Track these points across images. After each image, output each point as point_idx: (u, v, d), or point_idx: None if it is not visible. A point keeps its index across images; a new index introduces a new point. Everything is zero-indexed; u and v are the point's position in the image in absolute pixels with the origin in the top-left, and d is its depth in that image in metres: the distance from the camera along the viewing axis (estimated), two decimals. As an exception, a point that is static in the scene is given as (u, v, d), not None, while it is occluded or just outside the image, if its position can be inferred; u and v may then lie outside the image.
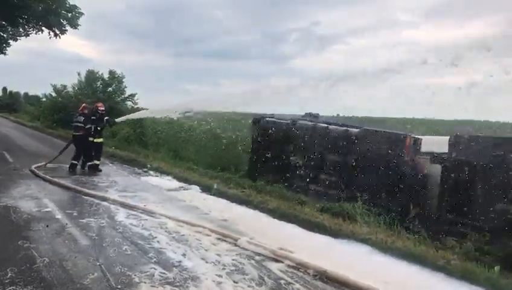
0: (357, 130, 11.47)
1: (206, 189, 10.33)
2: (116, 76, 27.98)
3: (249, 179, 12.57)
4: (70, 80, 35.27)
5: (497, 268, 5.55)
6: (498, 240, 6.42)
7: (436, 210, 8.77)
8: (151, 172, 12.59)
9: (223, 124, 17.18)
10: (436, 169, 9.48)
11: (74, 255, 5.20)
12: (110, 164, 13.51)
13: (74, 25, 17.19)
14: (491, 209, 7.43)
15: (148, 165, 13.41)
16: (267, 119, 14.15)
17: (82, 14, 17.28)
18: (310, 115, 14.26)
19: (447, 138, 9.29)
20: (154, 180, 11.32)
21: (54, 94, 30.41)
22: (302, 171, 12.14)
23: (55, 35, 17.20)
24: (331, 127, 12.10)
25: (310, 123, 12.77)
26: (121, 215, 7.27)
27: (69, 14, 16.92)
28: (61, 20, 16.91)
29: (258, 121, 14.80)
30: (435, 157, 9.43)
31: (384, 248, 6.18)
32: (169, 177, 11.87)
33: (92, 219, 6.91)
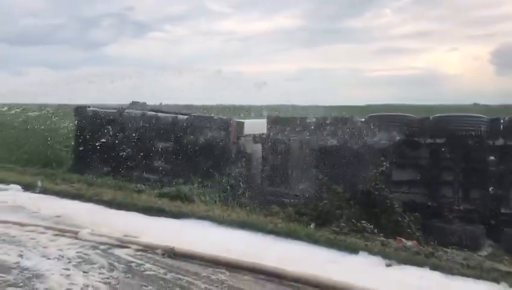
0: (186, 116, 11.99)
1: (29, 187, 9.45)
2: None
3: (75, 173, 11.91)
4: None
5: (312, 225, 6.75)
6: (311, 202, 7.74)
7: (260, 184, 9.93)
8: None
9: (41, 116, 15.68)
10: (258, 148, 10.67)
11: None
12: None
13: None
14: (302, 177, 8.84)
15: None
16: (91, 109, 13.53)
17: None
18: (137, 104, 14.18)
19: (265, 120, 10.53)
20: (-42, 183, 9.80)
21: None
22: (134, 162, 12.09)
23: None
24: (160, 114, 12.34)
25: (138, 112, 12.74)
26: None
27: None
28: None
29: (81, 112, 14.03)
30: (255, 138, 10.58)
31: (222, 221, 6.81)
32: (-23, 179, 10.40)
33: None
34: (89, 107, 13.98)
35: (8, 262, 4.90)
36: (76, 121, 14.61)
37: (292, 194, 8.72)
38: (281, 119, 10.35)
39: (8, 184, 9.68)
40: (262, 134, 10.27)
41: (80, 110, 14.21)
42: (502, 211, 7.29)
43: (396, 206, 6.99)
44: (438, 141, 7.98)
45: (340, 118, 10.97)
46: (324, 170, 8.00)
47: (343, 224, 6.65)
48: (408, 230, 6.65)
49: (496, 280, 4.68)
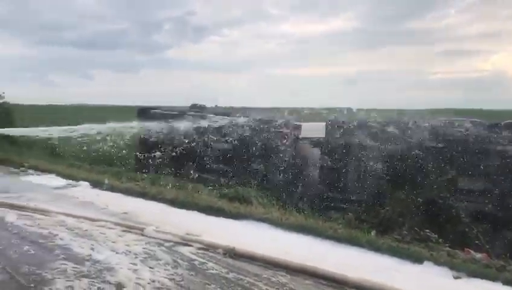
0: (244, 119, 12.17)
1: (97, 184, 9.98)
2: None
3: (138, 172, 12.46)
4: None
5: (373, 232, 6.62)
6: (372, 208, 7.58)
7: (318, 188, 9.87)
8: (30, 171, 11.65)
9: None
10: (315, 152, 10.61)
11: (-31, 261, 4.83)
12: (-23, 166, 12.15)
13: None
14: (363, 184, 8.67)
15: (24, 163, 12.35)
16: (154, 111, 14.11)
17: None
18: (196, 106, 14.61)
19: (323, 124, 10.46)
20: (37, 179, 10.55)
21: None
22: (193, 162, 12.45)
23: None
24: (218, 117, 12.61)
25: (198, 114, 13.11)
26: (11, 217, 6.77)
27: None
28: None
29: (144, 114, 14.68)
30: (313, 141, 10.53)
31: (280, 224, 6.84)
32: (52, 175, 11.12)
33: (-24, 224, 6.35)
34: (152, 109, 14.61)
35: (82, 255, 5.21)
36: (139, 122, 15.34)
37: (352, 200, 8.60)
38: (340, 123, 10.24)
39: (78, 181, 10.29)
40: (320, 137, 10.22)
41: (143, 112, 14.90)
42: None
43: (463, 216, 6.69)
44: (510, 148, 7.55)
45: (401, 123, 10.69)
46: (386, 176, 7.80)
47: (405, 232, 6.47)
48: (476, 241, 6.34)
49: None
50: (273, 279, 4.75)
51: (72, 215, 6.87)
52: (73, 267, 4.76)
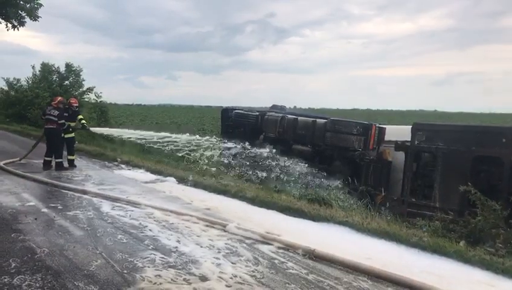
0: (324, 120, 12.04)
1: (182, 180, 10.50)
2: (73, 69, 27.27)
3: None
4: (15, 73, 33.72)
5: (462, 242, 6.21)
6: (461, 218, 7.11)
7: (402, 194, 9.47)
8: (123, 165, 12.58)
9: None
10: (400, 156, 10.18)
11: (72, 245, 5.32)
12: (79, 158, 13.31)
13: (34, 17, 16.53)
14: (452, 191, 8.14)
15: (118, 159, 13.36)
16: (236, 111, 14.49)
17: (41, 5, 16.65)
18: (276, 107, 14.76)
19: (409, 127, 9.98)
20: (128, 173, 11.35)
21: (5, 88, 29.10)
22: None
23: (13, 27, 16.49)
24: (299, 118, 12.61)
25: (278, 115, 13.22)
26: (106, 207, 7.36)
27: (28, 5, 16.29)
28: (20, 12, 16.26)
29: (227, 113, 15.14)
30: (398, 145, 10.10)
31: (362, 229, 6.68)
32: (142, 170, 11.91)
33: (78, 211, 6.98)
34: (234, 109, 15.03)
35: (169, 246, 5.51)
36: (222, 122, 15.86)
37: (438, 208, 8.13)
38: (428, 126, 9.74)
39: (165, 176, 10.89)
40: (406, 141, 9.78)
41: (225, 112, 15.39)
42: None
43: None
44: None
45: (495, 128, 9.92)
46: (478, 184, 7.26)
47: (500, 245, 5.99)
48: None
49: None
50: (354, 284, 4.65)
51: (160, 209, 7.29)
52: (161, 258, 5.05)
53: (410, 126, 9.69)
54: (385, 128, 11.25)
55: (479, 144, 8.29)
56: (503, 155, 7.89)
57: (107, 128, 16.06)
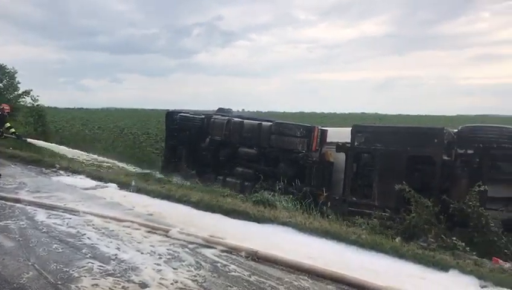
0: (270, 123, 12.17)
1: (124, 186, 10.20)
2: (7, 71, 25.74)
3: (164, 174, 12.65)
4: None
5: (398, 239, 6.51)
6: (397, 215, 7.45)
7: (343, 194, 9.75)
8: (61, 172, 11.99)
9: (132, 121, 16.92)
10: (341, 157, 10.48)
11: (1, 257, 5.02)
12: (13, 165, 12.57)
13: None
14: (389, 190, 8.50)
15: (56, 165, 12.73)
16: (181, 114, 14.30)
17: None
18: (223, 110, 14.72)
19: (349, 129, 10.31)
20: (67, 179, 10.84)
21: None
22: (218, 166, 12.55)
23: None
24: (245, 121, 12.65)
25: (224, 118, 13.19)
26: (41, 215, 7.00)
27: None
28: None
29: (171, 117, 14.90)
30: (339, 147, 10.38)
31: (304, 229, 6.81)
32: (82, 176, 11.42)
33: (9, 221, 6.58)
34: (179, 112, 14.82)
35: (108, 254, 5.34)
36: (166, 126, 15.59)
37: (376, 206, 8.46)
38: (367, 128, 10.10)
39: (106, 182, 10.53)
40: (347, 143, 10.08)
41: (170, 115, 15.12)
42: None
43: (492, 225, 6.50)
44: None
45: (428, 129, 10.47)
46: (413, 182, 7.63)
47: (431, 239, 6.34)
48: (505, 251, 6.14)
49: None
50: (295, 283, 4.74)
51: (100, 216, 7.04)
52: (99, 266, 4.89)
53: (350, 128, 9.99)
54: (327, 130, 11.53)
55: (413, 144, 8.70)
56: (435, 155, 8.33)
57: (47, 143, 15.16)
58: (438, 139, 8.41)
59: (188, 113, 14.66)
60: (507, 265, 5.45)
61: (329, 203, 9.13)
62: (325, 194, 9.71)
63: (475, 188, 6.78)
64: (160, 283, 4.57)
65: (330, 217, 7.85)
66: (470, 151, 8.11)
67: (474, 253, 5.89)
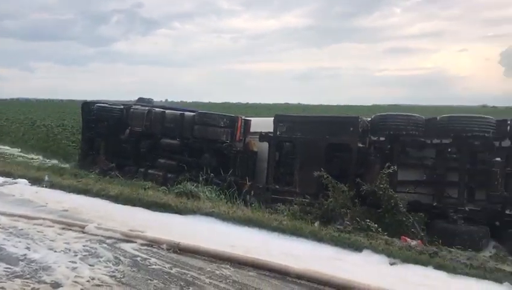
0: (192, 113, 12.02)
1: (36, 181, 9.54)
2: None
3: (81, 168, 12.03)
4: None
5: (317, 223, 6.79)
6: (316, 200, 7.75)
7: (266, 182, 9.95)
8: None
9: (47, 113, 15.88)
10: (264, 146, 10.67)
11: None
12: None
13: None
14: (310, 177, 8.82)
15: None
16: (98, 105, 13.62)
17: None
18: (143, 100, 14.26)
19: (272, 118, 10.52)
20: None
21: None
22: (139, 158, 12.16)
23: None
24: (167, 111, 12.37)
25: (145, 108, 12.79)
26: None
27: None
28: None
29: (88, 108, 14.13)
30: (262, 136, 10.55)
31: (227, 218, 6.84)
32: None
33: None
34: (96, 103, 14.10)
35: (16, 254, 4.98)
36: (82, 117, 14.76)
37: (298, 193, 8.74)
38: (288, 118, 10.36)
39: (16, 178, 9.78)
40: (269, 132, 10.27)
41: (86, 106, 14.32)
42: (507, 212, 7.26)
43: (401, 206, 6.99)
44: (445, 141, 7.97)
45: (344, 118, 10.99)
46: (332, 169, 7.99)
47: (347, 222, 6.68)
48: (412, 230, 6.66)
49: (499, 280, 4.69)
50: (217, 272, 4.75)
51: (7, 214, 6.53)
52: (6, 268, 4.54)
53: (272, 118, 10.19)
54: (250, 120, 11.66)
55: (331, 133, 9.09)
56: (351, 142, 8.76)
57: None
58: (353, 128, 8.85)
59: (106, 103, 14.00)
60: (413, 243, 5.91)
61: (252, 192, 9.25)
62: (248, 183, 9.83)
63: (384, 170, 7.24)
64: (75, 281, 4.35)
65: (253, 205, 7.97)
66: (382, 139, 8.66)
67: (385, 233, 6.30)
